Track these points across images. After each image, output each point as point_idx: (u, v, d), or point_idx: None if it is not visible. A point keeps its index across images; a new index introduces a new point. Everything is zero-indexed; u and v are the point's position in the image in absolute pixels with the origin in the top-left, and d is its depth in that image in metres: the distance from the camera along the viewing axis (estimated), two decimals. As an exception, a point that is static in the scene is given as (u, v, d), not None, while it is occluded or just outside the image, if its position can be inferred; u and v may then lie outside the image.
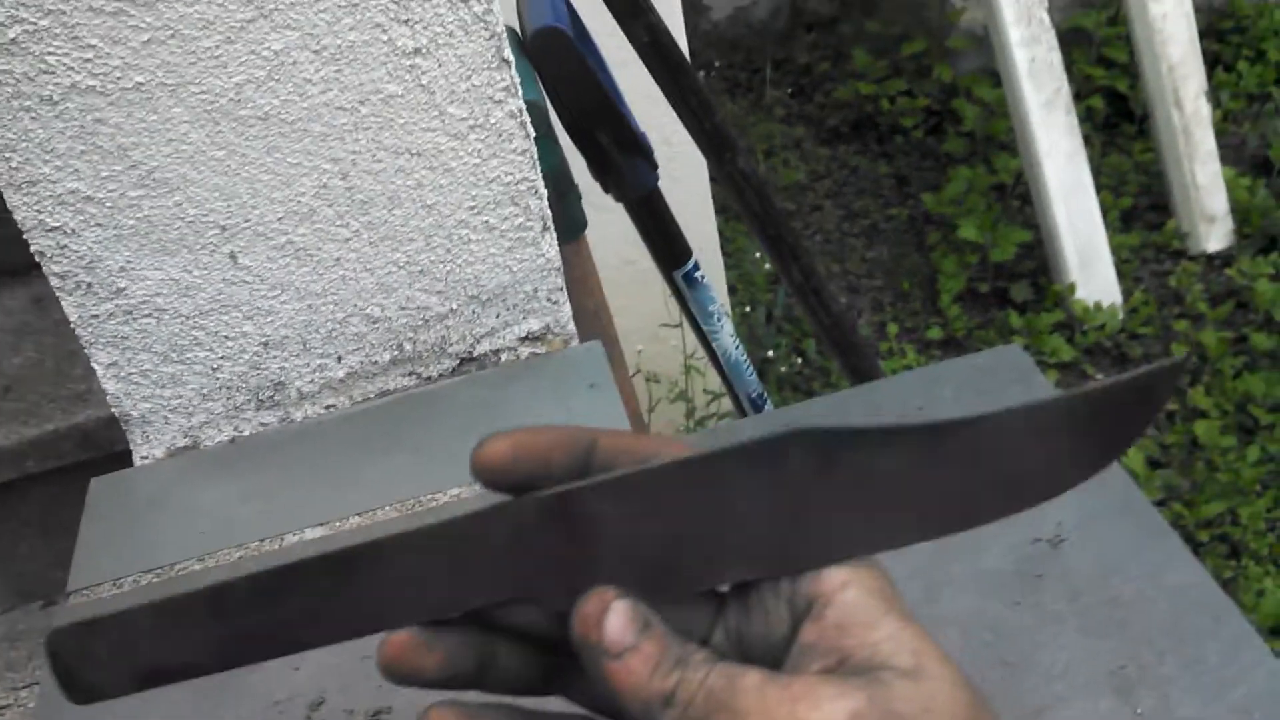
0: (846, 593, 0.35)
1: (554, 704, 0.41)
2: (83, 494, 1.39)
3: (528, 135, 0.76)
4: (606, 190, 1.13)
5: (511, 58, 0.73)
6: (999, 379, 0.70)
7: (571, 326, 0.83)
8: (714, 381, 2.11)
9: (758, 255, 2.51)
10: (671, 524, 0.37)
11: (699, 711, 0.34)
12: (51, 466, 1.34)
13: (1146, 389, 0.37)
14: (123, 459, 1.34)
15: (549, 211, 0.79)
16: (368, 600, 0.38)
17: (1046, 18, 2.27)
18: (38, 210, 0.74)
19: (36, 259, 0.76)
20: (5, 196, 0.74)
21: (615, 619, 0.35)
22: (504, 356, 0.84)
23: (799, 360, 2.37)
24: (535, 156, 0.77)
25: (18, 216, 0.74)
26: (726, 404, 2.11)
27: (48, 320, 1.50)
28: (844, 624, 0.35)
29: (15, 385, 1.41)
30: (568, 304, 0.83)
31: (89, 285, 0.77)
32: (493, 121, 0.75)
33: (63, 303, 0.78)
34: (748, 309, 2.44)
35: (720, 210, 2.25)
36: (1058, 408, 0.37)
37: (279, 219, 0.76)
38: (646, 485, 0.37)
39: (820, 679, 0.34)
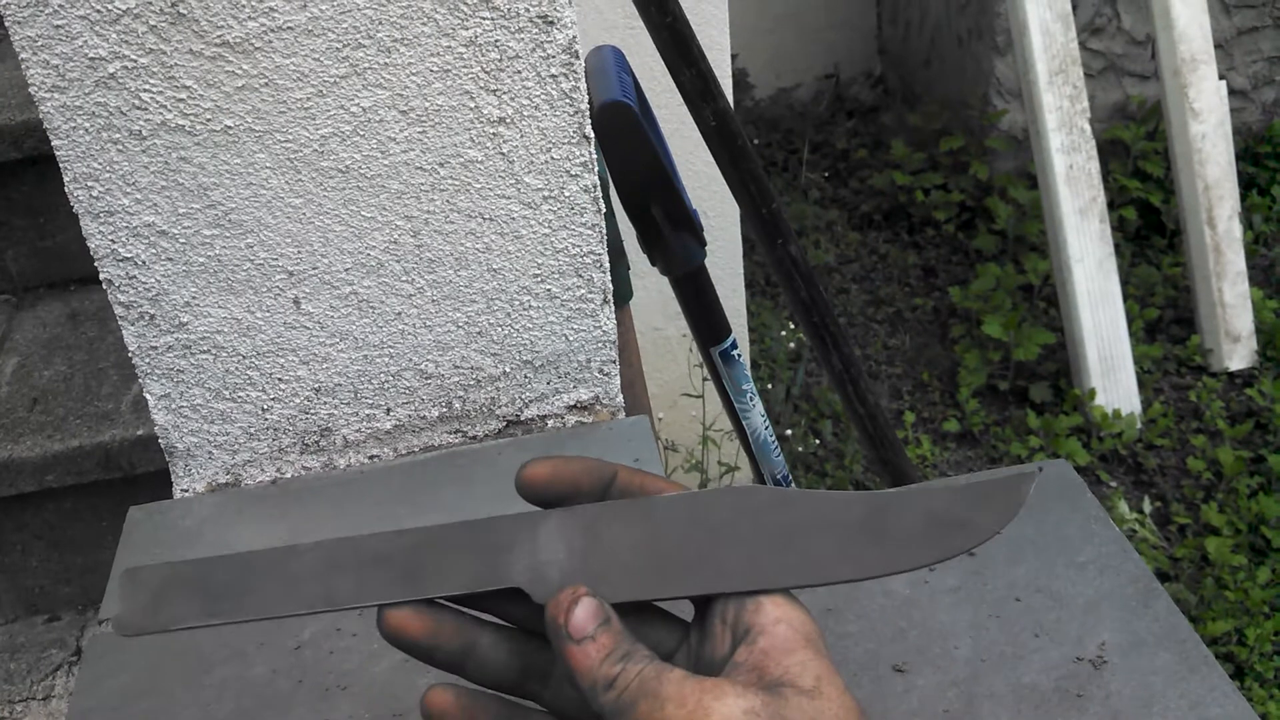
0: (777, 627, 0.43)
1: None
2: (98, 512, 1.40)
3: (598, 210, 0.77)
4: (654, 263, 1.14)
5: (592, 134, 0.74)
6: (1045, 493, 0.71)
7: (620, 399, 0.84)
8: (729, 454, 2.11)
9: (782, 333, 2.53)
10: (652, 544, 0.46)
11: (631, 695, 0.42)
12: (71, 483, 1.35)
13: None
14: (141, 482, 1.35)
15: (610, 285, 0.80)
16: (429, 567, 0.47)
17: (1088, 127, 2.30)
18: (112, 240, 0.75)
19: (104, 287, 0.77)
20: (82, 223, 0.75)
21: (582, 611, 0.44)
22: (551, 423, 0.84)
23: (816, 441, 2.38)
24: (604, 231, 0.78)
25: (91, 244, 0.76)
26: (740, 477, 2.11)
27: (81, 337, 1.51)
28: (769, 650, 0.43)
29: (43, 399, 1.42)
30: (618, 376, 0.84)
31: (152, 317, 0.78)
32: (567, 194, 0.76)
33: (124, 332, 0.79)
34: (768, 385, 2.45)
35: (746, 285, 2.26)
36: (941, 493, 0.46)
37: (346, 269, 0.77)
38: (638, 512, 0.47)
39: (729, 681, 0.42)
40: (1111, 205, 2.66)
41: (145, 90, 0.71)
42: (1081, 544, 0.67)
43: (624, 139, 1.04)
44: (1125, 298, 2.40)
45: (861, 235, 2.97)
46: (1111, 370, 2.35)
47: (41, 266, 1.60)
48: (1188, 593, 2.02)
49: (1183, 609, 1.98)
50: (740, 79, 3.25)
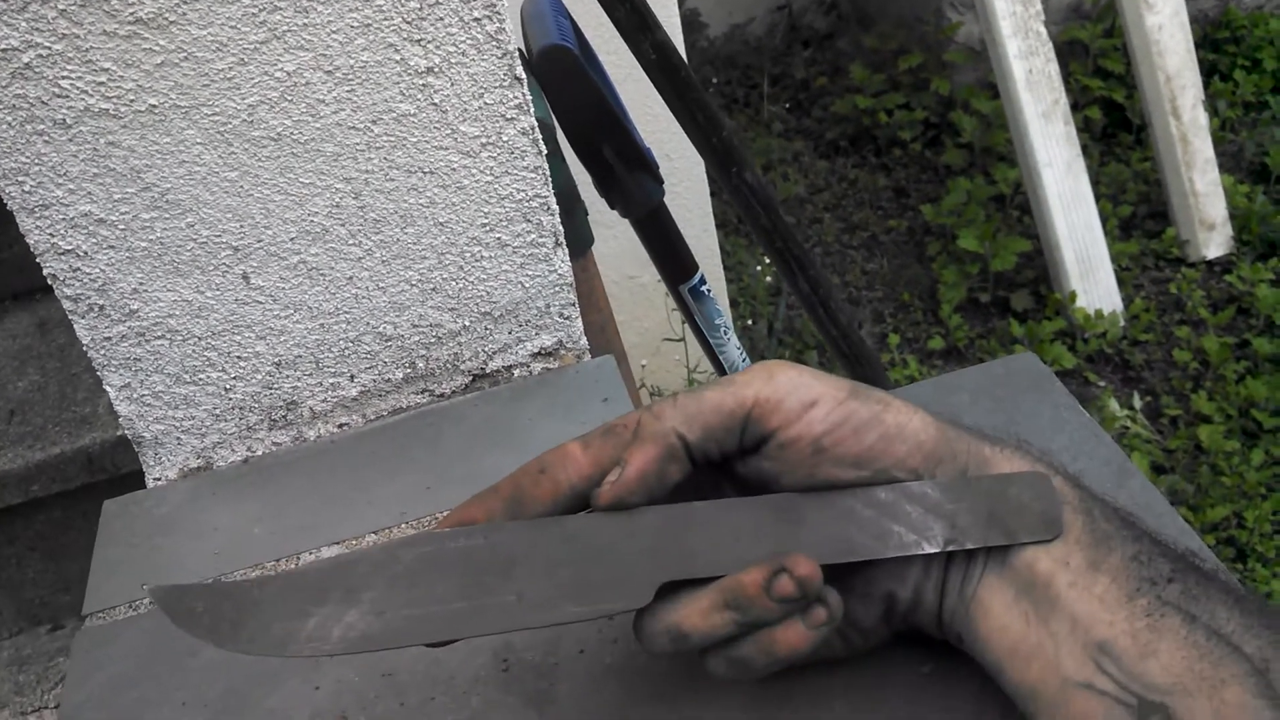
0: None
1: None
2: (88, 517, 1.39)
3: (539, 152, 0.76)
4: (613, 206, 1.13)
5: (523, 75, 0.73)
6: (1014, 386, 0.70)
7: (584, 341, 0.83)
8: (717, 395, 2.11)
9: (758, 269, 2.52)
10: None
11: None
12: (57, 490, 1.34)
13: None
14: (128, 482, 1.34)
15: (560, 227, 0.79)
16: None
17: (1043, 30, 2.28)
18: (50, 234, 0.74)
19: (49, 282, 0.76)
20: (18, 220, 0.74)
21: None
22: (517, 372, 0.84)
23: (802, 372, 2.37)
24: (547, 173, 0.77)
25: (30, 240, 0.75)
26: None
27: (51, 345, 1.50)
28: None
29: (20, 409, 1.41)
30: (579, 319, 0.83)
31: (101, 308, 0.77)
32: (505, 139, 0.75)
33: (75, 326, 0.78)
34: (749, 322, 2.44)
35: (720, 225, 2.25)
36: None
37: (291, 239, 0.76)
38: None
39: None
40: (1075, 106, 2.64)
41: (64, 77, 0.69)
42: (1053, 433, 0.66)
43: (566, 82, 1.02)
44: (1097, 197, 2.39)
45: (829, 163, 2.95)
46: (1090, 271, 2.35)
47: (3, 278, 1.58)
48: (1184, 482, 2.03)
49: (1181, 498, 1.99)
50: (691, 19, 3.22)
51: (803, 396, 0.47)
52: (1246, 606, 0.43)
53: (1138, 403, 2.21)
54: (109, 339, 0.78)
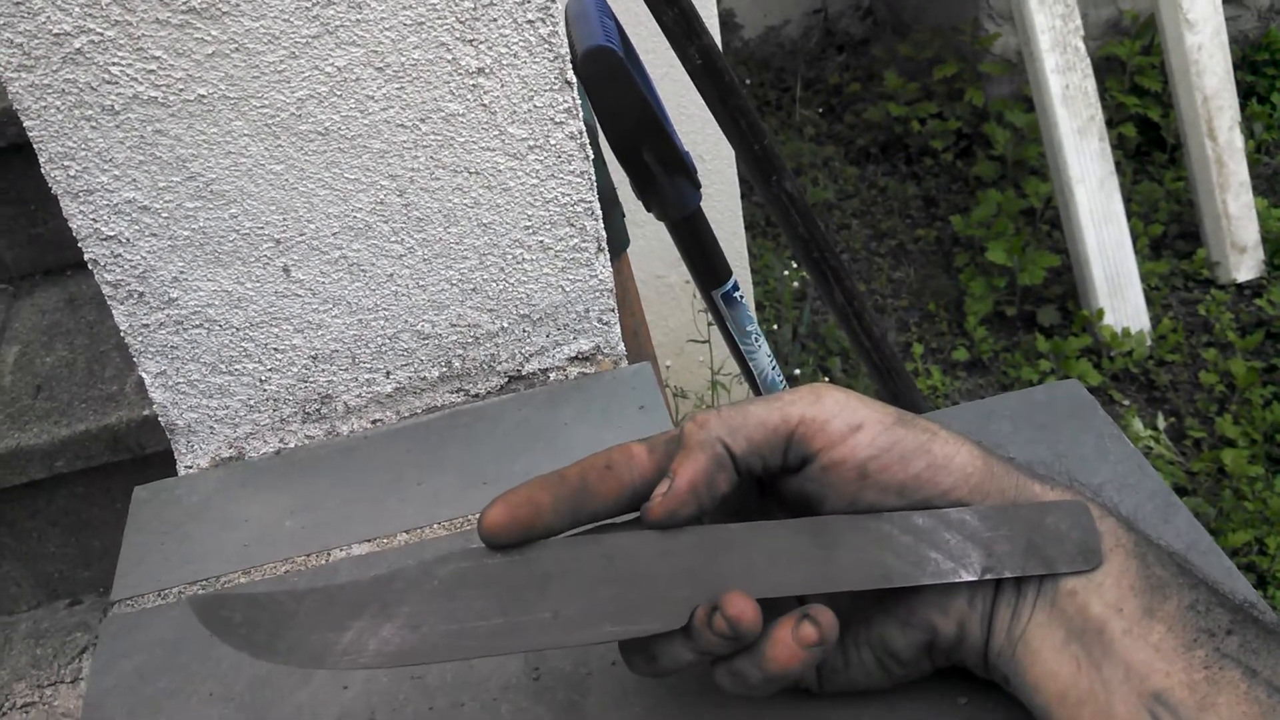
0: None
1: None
2: (111, 494, 1.39)
3: (586, 157, 0.76)
4: (649, 209, 1.12)
5: (574, 80, 0.72)
6: (1056, 413, 0.69)
7: (621, 348, 0.83)
8: (739, 397, 2.11)
9: (785, 273, 2.51)
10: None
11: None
12: (81, 467, 1.34)
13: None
14: (152, 461, 1.34)
15: (603, 233, 0.79)
16: None
17: (1082, 45, 2.27)
18: (93, 219, 0.74)
19: (90, 267, 0.76)
20: (62, 204, 0.74)
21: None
22: (553, 376, 0.84)
23: (825, 379, 2.37)
24: (593, 178, 0.76)
25: (73, 224, 0.75)
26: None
27: (80, 321, 1.50)
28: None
29: (47, 385, 1.41)
30: (618, 325, 0.82)
31: (141, 295, 0.77)
32: (553, 143, 0.75)
33: (114, 311, 0.77)
34: (774, 326, 2.44)
35: (747, 227, 2.24)
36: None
37: (334, 234, 0.76)
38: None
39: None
40: (1110, 123, 2.63)
41: (114, 64, 0.69)
42: (1097, 464, 0.66)
43: (610, 84, 1.02)
44: (1129, 215, 2.38)
45: (859, 169, 2.94)
46: (1119, 289, 2.33)
47: (36, 254, 1.59)
48: (1206, 506, 2.01)
49: (1202, 522, 1.98)
50: (727, 20, 3.21)
51: (849, 420, 0.47)
52: None
53: (1161, 423, 2.20)
54: (147, 326, 0.78)
